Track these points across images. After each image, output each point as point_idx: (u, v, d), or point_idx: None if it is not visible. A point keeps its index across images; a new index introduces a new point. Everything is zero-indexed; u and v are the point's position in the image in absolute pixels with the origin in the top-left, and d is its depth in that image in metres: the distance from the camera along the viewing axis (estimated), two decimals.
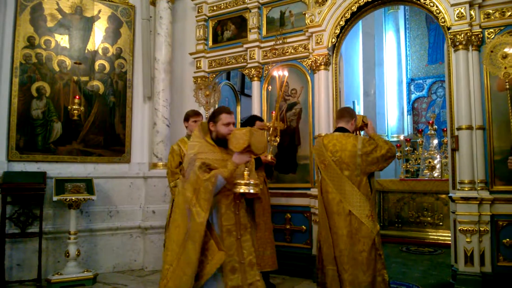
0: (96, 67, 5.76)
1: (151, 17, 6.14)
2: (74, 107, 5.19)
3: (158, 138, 5.81)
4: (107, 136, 5.76)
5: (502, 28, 4.29)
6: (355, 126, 3.65)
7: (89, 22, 5.75)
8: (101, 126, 5.73)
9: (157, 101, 5.88)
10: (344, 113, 3.65)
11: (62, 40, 5.55)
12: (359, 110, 10.76)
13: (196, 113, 4.39)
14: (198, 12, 6.26)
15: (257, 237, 4.17)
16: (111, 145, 5.78)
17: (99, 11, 5.83)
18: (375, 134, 3.57)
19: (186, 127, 4.39)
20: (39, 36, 5.40)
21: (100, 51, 5.80)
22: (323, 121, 5.05)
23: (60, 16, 5.55)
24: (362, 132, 3.96)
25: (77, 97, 5.26)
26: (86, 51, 5.70)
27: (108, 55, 5.86)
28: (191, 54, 6.28)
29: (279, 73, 3.98)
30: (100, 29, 5.82)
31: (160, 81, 5.91)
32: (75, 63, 5.49)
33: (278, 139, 4.34)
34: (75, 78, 5.55)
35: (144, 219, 5.68)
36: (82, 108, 5.36)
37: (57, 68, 5.48)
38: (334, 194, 3.42)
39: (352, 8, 5.01)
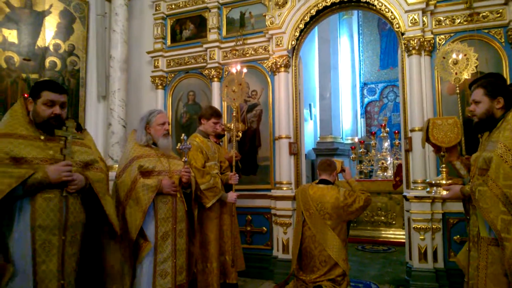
0: (47, 64, 5.47)
1: (106, 13, 5.93)
2: None
3: (113, 139, 5.59)
4: None
5: (452, 34, 4.52)
6: (336, 173, 4.13)
7: (39, 17, 5.46)
8: None
9: (112, 100, 5.67)
10: (327, 167, 4.07)
11: (10, 35, 5.22)
12: (315, 113, 10.97)
13: (220, 114, 4.28)
14: (156, 10, 6.10)
15: (228, 237, 4.16)
16: None
17: (51, 6, 5.54)
18: (352, 180, 4.09)
19: (203, 124, 4.18)
20: None
21: (51, 48, 5.52)
22: (283, 122, 5.09)
23: (8, 10, 5.22)
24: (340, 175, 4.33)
25: (25, 95, 4.96)
26: (36, 47, 5.41)
27: (60, 51, 5.59)
28: (148, 52, 6.12)
29: (237, 68, 4.05)
30: (51, 24, 5.53)
31: (116, 80, 5.70)
32: (24, 59, 5.20)
33: (240, 134, 4.46)
34: (24, 75, 5.25)
35: None
36: None
37: (4, 65, 5.14)
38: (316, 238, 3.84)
39: (311, 12, 5.08)
